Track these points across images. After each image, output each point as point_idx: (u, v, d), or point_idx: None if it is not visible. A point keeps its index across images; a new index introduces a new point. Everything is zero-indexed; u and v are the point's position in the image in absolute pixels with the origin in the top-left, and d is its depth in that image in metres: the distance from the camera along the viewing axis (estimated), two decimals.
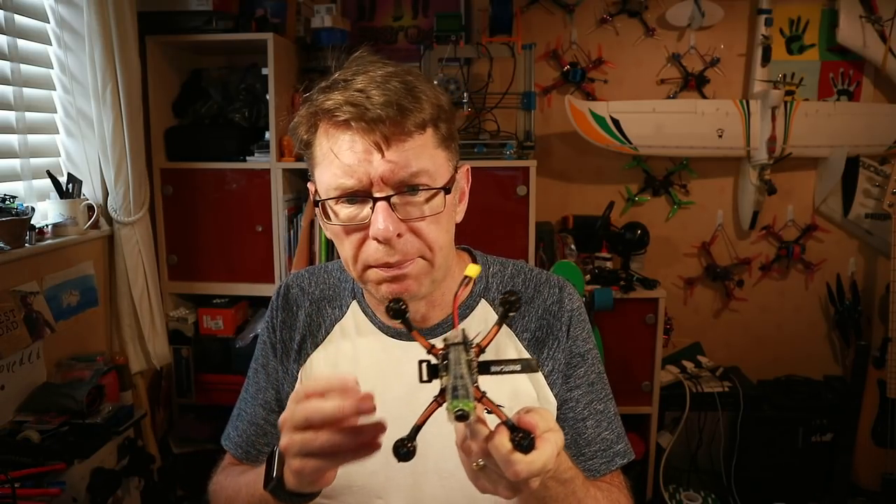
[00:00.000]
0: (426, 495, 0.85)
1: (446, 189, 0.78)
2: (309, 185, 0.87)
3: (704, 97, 2.53)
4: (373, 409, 0.61)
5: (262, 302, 2.32)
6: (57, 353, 1.76)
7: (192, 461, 2.16)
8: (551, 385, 0.87)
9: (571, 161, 2.63)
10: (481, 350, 0.59)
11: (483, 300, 0.90)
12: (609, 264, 2.44)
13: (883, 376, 2.29)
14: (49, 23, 1.86)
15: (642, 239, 2.44)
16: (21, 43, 1.75)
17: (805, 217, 2.62)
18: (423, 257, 0.78)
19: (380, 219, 0.73)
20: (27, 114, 1.78)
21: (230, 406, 1.01)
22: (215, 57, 2.42)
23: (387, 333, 0.90)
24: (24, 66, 1.75)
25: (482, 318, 0.89)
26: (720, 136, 2.44)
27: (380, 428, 0.63)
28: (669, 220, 2.66)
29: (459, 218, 0.86)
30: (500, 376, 0.85)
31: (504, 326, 0.88)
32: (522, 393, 0.86)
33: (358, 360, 0.90)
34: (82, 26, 1.82)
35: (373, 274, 0.78)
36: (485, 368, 0.58)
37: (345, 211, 0.77)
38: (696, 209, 2.64)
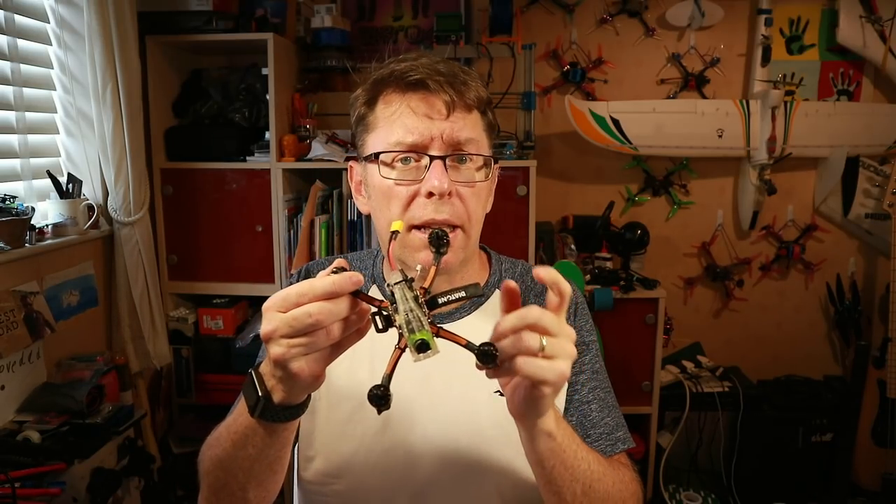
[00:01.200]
0: (427, 469, 0.84)
1: (493, 159, 0.86)
2: (350, 164, 0.94)
3: (704, 97, 2.53)
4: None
5: (262, 302, 2.32)
6: (57, 353, 1.76)
7: (192, 461, 2.12)
8: None
9: (571, 161, 2.63)
10: (426, 291, 0.61)
11: (497, 290, 0.95)
12: (609, 264, 2.44)
13: (883, 376, 2.29)
14: (49, 23, 1.86)
15: (642, 239, 2.44)
16: (21, 43, 1.75)
17: (805, 217, 2.62)
18: (462, 228, 0.83)
19: (436, 173, 0.79)
20: (27, 114, 1.78)
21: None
22: (215, 57, 2.42)
23: None
24: (24, 66, 1.75)
25: (496, 305, 0.93)
26: (720, 136, 2.44)
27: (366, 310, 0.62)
28: (669, 220, 2.66)
29: (488, 208, 0.91)
30: None
31: None
32: None
33: (375, 342, 0.91)
34: (82, 26, 1.82)
35: (416, 238, 0.81)
36: (433, 302, 0.60)
37: (398, 167, 0.82)
38: (696, 209, 2.64)
